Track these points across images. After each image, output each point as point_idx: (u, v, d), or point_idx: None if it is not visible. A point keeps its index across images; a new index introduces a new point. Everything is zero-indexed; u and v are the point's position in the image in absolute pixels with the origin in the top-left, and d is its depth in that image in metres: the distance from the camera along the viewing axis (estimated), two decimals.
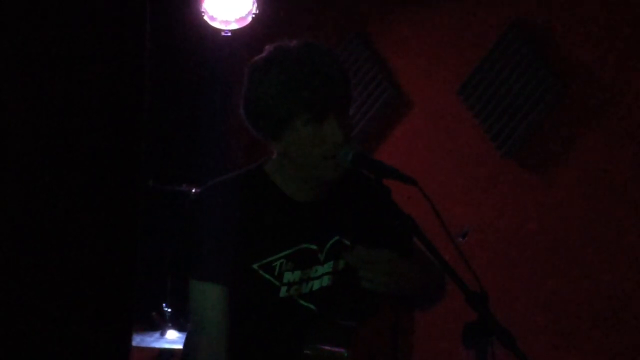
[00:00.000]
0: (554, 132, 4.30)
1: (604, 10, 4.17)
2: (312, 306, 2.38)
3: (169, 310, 4.49)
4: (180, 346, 4.23)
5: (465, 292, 1.97)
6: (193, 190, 4.44)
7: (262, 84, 2.26)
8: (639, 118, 4.07)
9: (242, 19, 4.72)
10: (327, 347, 2.30)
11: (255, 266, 2.31)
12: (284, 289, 2.34)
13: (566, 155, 4.26)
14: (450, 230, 2.10)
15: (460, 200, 4.53)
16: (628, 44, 4.10)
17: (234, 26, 4.72)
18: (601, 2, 4.18)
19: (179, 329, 4.48)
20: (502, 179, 4.45)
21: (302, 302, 2.37)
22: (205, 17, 4.69)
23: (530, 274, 4.34)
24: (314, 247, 2.37)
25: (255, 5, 4.68)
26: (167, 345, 4.36)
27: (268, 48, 2.32)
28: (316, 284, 2.38)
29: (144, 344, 4.33)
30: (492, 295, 1.98)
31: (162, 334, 4.44)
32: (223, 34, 4.75)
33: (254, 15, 4.70)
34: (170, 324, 4.48)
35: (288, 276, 2.34)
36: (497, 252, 4.43)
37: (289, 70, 2.23)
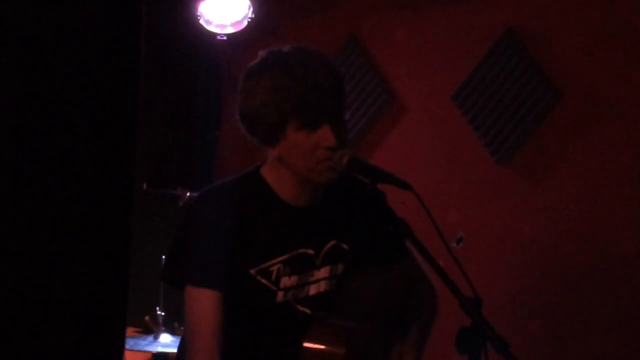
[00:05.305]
0: (549, 137, 4.31)
1: (598, 16, 4.18)
2: (308, 311, 2.37)
3: (163, 314, 4.48)
4: (173, 350, 4.22)
5: (460, 298, 1.97)
6: (187, 194, 4.43)
7: (254, 91, 2.26)
8: (634, 124, 4.07)
9: (238, 22, 4.72)
10: (326, 346, 2.30)
11: (252, 271, 2.31)
12: (280, 293, 2.33)
13: (561, 161, 4.27)
14: (445, 235, 2.10)
15: (455, 206, 4.53)
16: (623, 50, 4.10)
17: (230, 30, 4.72)
18: (595, 9, 4.19)
19: (173, 332, 4.48)
20: (496, 185, 4.46)
21: (298, 306, 2.37)
22: (201, 21, 4.69)
23: (525, 280, 4.34)
24: (310, 251, 2.36)
25: (251, 9, 4.69)
26: (160, 349, 4.35)
27: (261, 54, 2.32)
28: (313, 289, 2.38)
29: (137, 348, 4.32)
30: (486, 301, 1.98)
31: (156, 338, 4.43)
32: (219, 37, 4.75)
33: (249, 19, 4.70)
34: (163, 328, 4.47)
35: (285, 281, 2.33)
36: (492, 257, 4.42)
37: (279, 76, 2.23)
